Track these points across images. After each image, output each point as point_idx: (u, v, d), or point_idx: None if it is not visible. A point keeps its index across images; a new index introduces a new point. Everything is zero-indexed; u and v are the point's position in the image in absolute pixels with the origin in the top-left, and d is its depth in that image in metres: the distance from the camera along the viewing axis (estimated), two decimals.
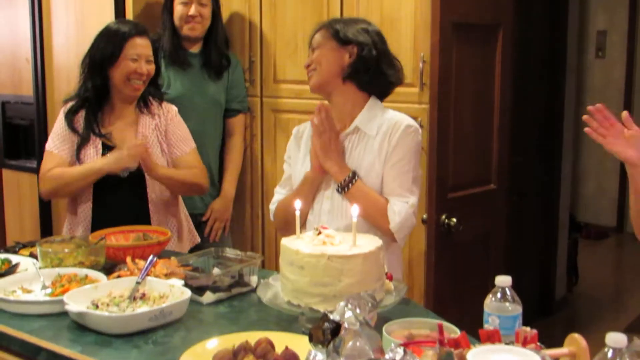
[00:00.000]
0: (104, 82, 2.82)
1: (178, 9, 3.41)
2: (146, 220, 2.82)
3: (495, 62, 3.36)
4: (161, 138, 2.90)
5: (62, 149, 2.83)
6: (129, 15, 3.62)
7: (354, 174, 2.35)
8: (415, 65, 3.05)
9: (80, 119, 2.84)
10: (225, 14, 3.65)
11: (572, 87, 5.22)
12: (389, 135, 2.36)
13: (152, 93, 2.93)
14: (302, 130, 2.60)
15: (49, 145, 2.85)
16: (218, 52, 3.52)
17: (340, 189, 2.37)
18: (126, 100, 2.86)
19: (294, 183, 2.53)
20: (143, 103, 2.93)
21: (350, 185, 2.35)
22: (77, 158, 2.81)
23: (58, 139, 2.84)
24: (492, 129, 3.39)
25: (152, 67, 2.84)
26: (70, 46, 3.93)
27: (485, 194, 3.39)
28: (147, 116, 2.90)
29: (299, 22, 3.46)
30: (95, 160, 2.77)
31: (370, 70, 2.39)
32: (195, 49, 3.53)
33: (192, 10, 3.39)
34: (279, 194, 2.59)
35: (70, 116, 2.84)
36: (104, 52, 2.78)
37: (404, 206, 2.32)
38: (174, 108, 2.99)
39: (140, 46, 2.78)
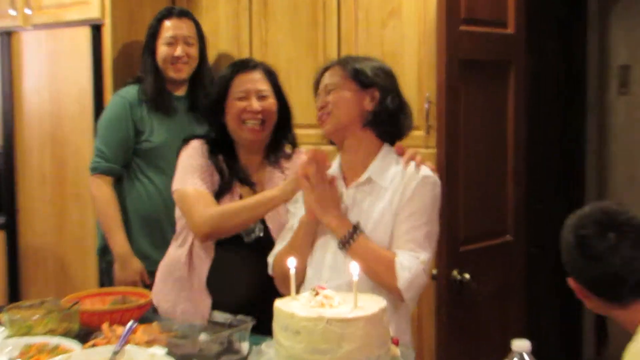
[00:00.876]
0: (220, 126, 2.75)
1: (162, 50, 3.42)
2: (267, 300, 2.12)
3: (507, 101, 3.38)
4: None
5: (209, 185, 2.67)
6: (107, 56, 3.67)
7: (356, 228, 2.32)
8: (421, 106, 3.05)
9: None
10: (211, 54, 3.68)
11: (594, 127, 5.20)
12: (403, 185, 2.33)
13: (282, 136, 2.82)
14: None
15: (195, 183, 2.65)
16: (205, 94, 3.48)
17: (341, 245, 2.34)
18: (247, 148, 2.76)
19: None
20: (271, 151, 2.79)
21: (351, 240, 2.31)
22: None
23: (202, 175, 2.68)
24: (506, 174, 3.40)
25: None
26: (41, 89, 3.97)
27: (500, 246, 3.38)
28: (277, 171, 2.78)
29: (293, 62, 3.49)
30: (263, 192, 2.63)
31: (393, 117, 2.39)
32: (181, 92, 3.54)
33: (179, 51, 3.40)
34: (279, 245, 2.54)
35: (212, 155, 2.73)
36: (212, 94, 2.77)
37: (413, 262, 2.27)
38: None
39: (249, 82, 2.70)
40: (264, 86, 2.71)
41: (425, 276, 2.32)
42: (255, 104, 2.67)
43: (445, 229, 2.94)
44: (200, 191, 2.63)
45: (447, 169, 2.98)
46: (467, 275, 3.08)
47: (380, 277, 2.29)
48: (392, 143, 2.46)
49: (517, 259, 3.47)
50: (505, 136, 3.38)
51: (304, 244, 2.42)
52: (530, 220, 3.68)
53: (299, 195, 2.50)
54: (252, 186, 2.71)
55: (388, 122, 2.38)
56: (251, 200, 2.60)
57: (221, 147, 2.73)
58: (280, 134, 2.80)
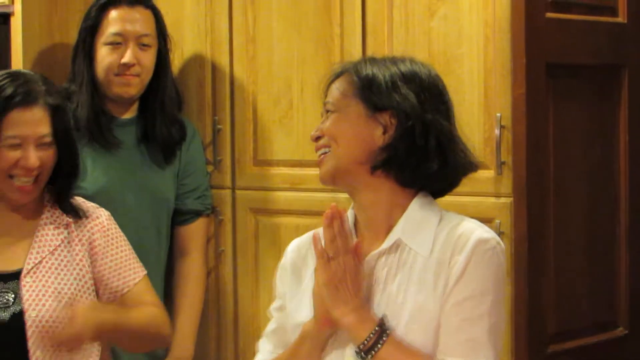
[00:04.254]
0: None
1: (103, 53, 3.40)
2: None
3: (618, 123, 3.37)
4: (82, 261, 2.81)
5: None
6: (16, 59, 3.64)
7: (383, 327, 2.22)
8: (488, 133, 3.04)
9: None
10: (175, 57, 3.67)
11: None
12: (450, 255, 2.23)
13: (62, 188, 2.82)
14: (305, 250, 2.49)
15: None
16: (165, 118, 3.52)
17: (362, 353, 2.23)
18: (15, 203, 2.79)
19: (289, 337, 2.43)
20: (48, 203, 2.84)
21: (378, 346, 2.20)
22: None
23: None
24: (617, 235, 3.39)
25: None
26: None
27: (610, 344, 3.35)
28: (51, 226, 2.82)
29: (295, 64, 3.48)
30: None
31: (415, 153, 2.26)
32: (129, 114, 3.54)
33: (128, 56, 3.37)
34: (263, 354, 2.49)
35: None
36: None
37: None
38: (104, 212, 2.90)
39: (23, 123, 2.67)
40: (47, 129, 2.70)
41: None
42: (33, 157, 2.67)
43: (525, 322, 2.95)
44: None
45: (530, 229, 2.95)
46: None
47: None
48: (435, 192, 2.37)
49: None
50: (616, 177, 3.37)
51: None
52: None
53: (286, 284, 2.48)
54: None
55: (411, 163, 2.26)
56: None
57: None
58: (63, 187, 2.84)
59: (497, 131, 2.98)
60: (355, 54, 3.27)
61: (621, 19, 3.32)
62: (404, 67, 2.29)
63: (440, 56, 3.10)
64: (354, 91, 2.25)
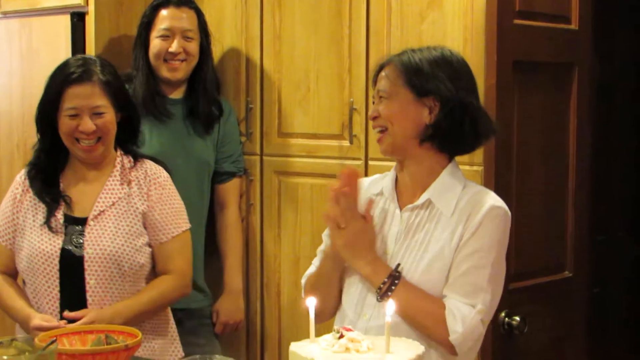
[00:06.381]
0: (56, 138, 2.81)
1: (155, 44, 3.44)
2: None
3: (569, 111, 3.37)
4: (136, 215, 2.82)
5: (9, 231, 2.85)
6: (90, 50, 3.67)
7: (394, 275, 2.28)
8: None
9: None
10: (216, 50, 3.69)
11: None
12: (467, 216, 2.28)
13: (124, 149, 2.90)
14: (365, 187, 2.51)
15: None
16: (207, 98, 3.55)
17: (378, 297, 2.29)
18: (86, 163, 2.83)
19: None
20: (118, 164, 2.87)
21: (390, 291, 2.26)
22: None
23: (3, 221, 2.86)
24: (566, 199, 3.39)
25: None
26: (13, 89, 3.97)
27: (558, 284, 3.36)
28: (116, 181, 2.84)
29: (312, 58, 3.50)
30: (25, 306, 2.76)
31: (457, 130, 2.32)
32: (177, 94, 3.57)
33: (175, 46, 3.42)
34: (313, 267, 2.56)
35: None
36: (43, 103, 2.79)
37: (469, 312, 2.23)
38: (163, 174, 2.92)
39: (77, 96, 2.72)
40: (100, 100, 2.74)
41: (483, 327, 2.28)
42: (88, 124, 2.71)
43: None
44: None
45: (496, 191, 2.86)
46: (517, 318, 3.06)
47: (428, 331, 2.26)
48: (462, 153, 2.44)
49: (577, 300, 3.45)
50: (566, 153, 3.37)
51: (332, 277, 2.42)
52: (594, 253, 3.68)
53: None
54: (61, 204, 2.80)
55: (451, 135, 2.32)
56: (12, 304, 2.79)
57: (49, 163, 2.83)
58: (125, 146, 2.91)
59: None
60: (361, 50, 3.31)
61: (574, 26, 3.31)
62: (439, 56, 2.34)
63: None
64: (402, 80, 2.30)
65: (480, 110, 2.36)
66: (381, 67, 2.39)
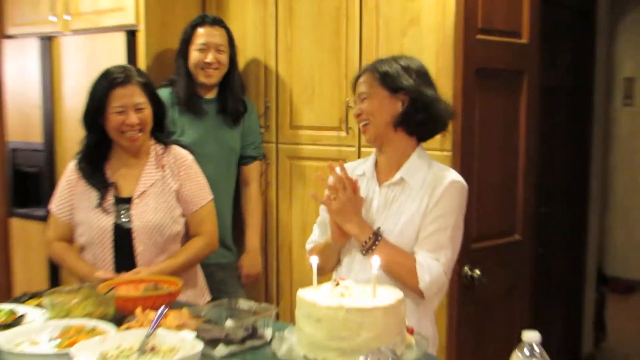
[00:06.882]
0: (100, 136, 2.79)
1: (194, 56, 3.43)
2: None
3: (520, 108, 3.36)
4: (170, 193, 2.80)
5: (65, 208, 2.83)
6: (141, 61, 3.67)
7: (376, 234, 2.31)
8: None
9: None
10: (241, 60, 3.68)
11: (599, 136, 5.17)
12: (432, 189, 2.31)
13: (157, 139, 2.87)
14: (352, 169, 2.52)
15: (54, 208, 2.85)
16: (234, 98, 3.53)
17: (364, 251, 2.33)
18: (129, 152, 2.82)
19: (327, 226, 2.47)
20: (152, 152, 2.85)
21: (373, 246, 2.30)
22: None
23: (61, 200, 2.84)
24: (517, 178, 3.38)
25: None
26: (80, 90, 3.91)
27: (510, 245, 3.36)
28: (152, 166, 2.82)
29: (316, 67, 3.49)
30: (86, 265, 2.76)
31: (421, 114, 2.34)
32: (211, 95, 3.55)
33: (210, 57, 3.41)
34: (314, 234, 2.58)
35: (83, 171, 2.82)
36: (90, 105, 2.77)
37: (434, 264, 2.26)
38: (189, 157, 2.90)
39: (123, 96, 2.70)
40: (140, 98, 2.73)
41: (445, 277, 2.31)
42: (132, 118, 2.71)
43: None
44: (54, 216, 2.85)
45: (462, 171, 2.91)
46: (477, 272, 3.07)
47: (402, 279, 2.28)
48: (426, 139, 2.44)
49: (525, 258, 3.46)
50: (517, 142, 3.37)
51: (333, 256, 2.45)
52: (538, 221, 3.68)
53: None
54: (111, 188, 2.78)
55: (417, 122, 2.35)
56: (76, 264, 2.79)
57: (95, 155, 2.81)
58: (156, 135, 2.86)
59: None
60: (355, 59, 3.30)
61: (524, 40, 3.31)
62: (403, 62, 2.37)
63: None
64: (377, 82, 2.33)
65: (438, 99, 2.39)
66: (358, 76, 2.41)
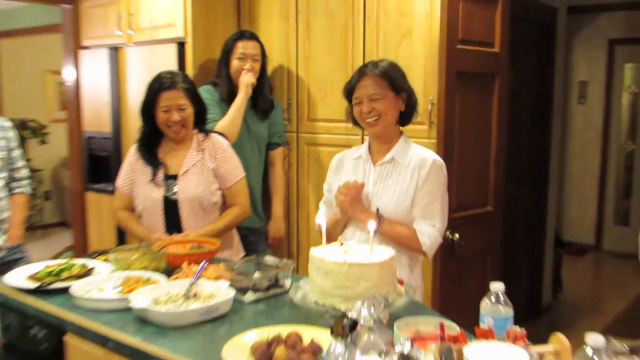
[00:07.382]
0: (153, 126, 2.77)
1: (234, 63, 3.38)
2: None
3: (492, 105, 3.32)
4: (209, 171, 2.77)
5: (127, 183, 2.84)
6: (189, 67, 3.63)
7: (379, 216, 2.29)
8: (425, 106, 3.00)
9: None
10: (268, 66, 3.63)
11: (558, 129, 5.14)
12: (418, 168, 2.29)
13: (199, 129, 2.83)
14: (342, 160, 2.51)
15: (119, 183, 2.84)
16: (264, 97, 3.49)
17: (373, 232, 2.30)
18: (174, 140, 2.80)
19: (333, 205, 2.46)
20: (195, 139, 2.82)
21: (379, 227, 2.28)
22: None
23: (124, 176, 2.85)
24: (489, 161, 3.35)
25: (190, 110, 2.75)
26: (140, 91, 3.92)
27: (483, 215, 3.33)
28: (194, 150, 2.78)
29: (329, 71, 3.45)
30: (145, 229, 2.75)
31: (412, 109, 2.35)
32: None
33: (248, 65, 3.37)
34: (321, 210, 2.55)
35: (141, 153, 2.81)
36: (145, 102, 2.74)
37: (431, 230, 2.26)
38: (225, 142, 2.86)
39: (168, 98, 2.67)
40: (183, 100, 2.69)
41: (440, 238, 2.31)
42: (175, 116, 2.68)
43: None
44: (119, 190, 2.84)
45: (445, 156, 2.93)
46: (457, 236, 3.04)
47: (408, 245, 2.29)
48: (405, 125, 2.40)
49: (495, 226, 3.43)
50: (490, 132, 3.33)
51: (339, 225, 2.44)
52: (507, 196, 3.65)
53: (333, 181, 2.49)
54: (161, 167, 2.76)
55: (409, 114, 2.36)
56: (138, 230, 2.77)
57: (150, 140, 2.78)
58: (200, 127, 2.83)
59: (429, 105, 2.97)
60: (360, 65, 3.21)
61: (497, 49, 3.26)
62: (395, 66, 2.34)
63: (403, 67, 2.88)
64: (387, 85, 2.28)
65: (413, 91, 2.38)
66: (359, 78, 2.33)
